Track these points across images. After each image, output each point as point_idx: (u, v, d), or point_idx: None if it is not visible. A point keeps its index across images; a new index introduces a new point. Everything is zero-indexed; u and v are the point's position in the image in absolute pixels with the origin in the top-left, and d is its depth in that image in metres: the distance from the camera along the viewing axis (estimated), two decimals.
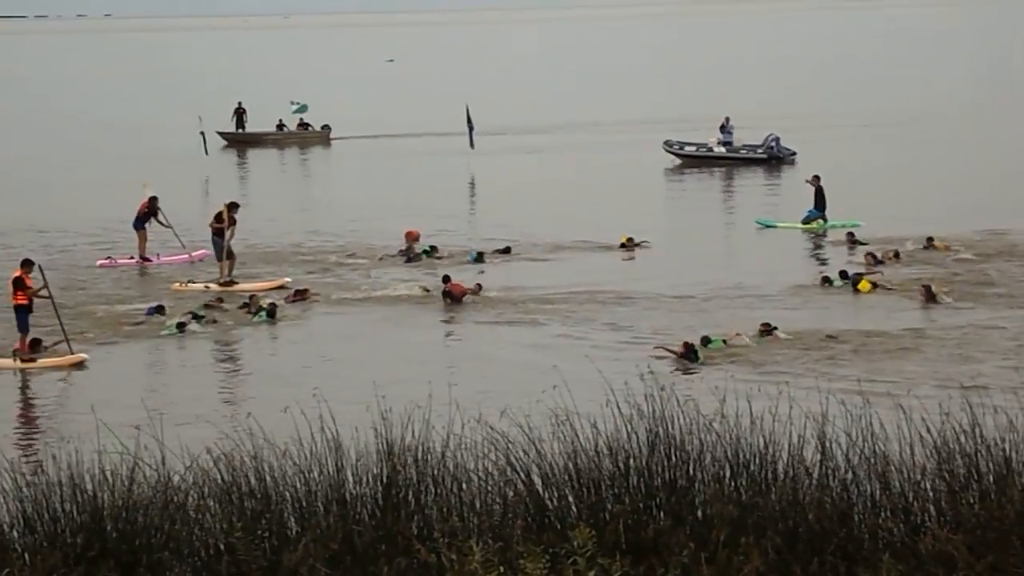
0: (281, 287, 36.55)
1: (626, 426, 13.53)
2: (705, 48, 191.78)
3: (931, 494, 12.90)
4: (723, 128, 64.21)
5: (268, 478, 13.38)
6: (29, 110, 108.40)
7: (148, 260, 41.10)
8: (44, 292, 30.24)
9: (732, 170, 60.89)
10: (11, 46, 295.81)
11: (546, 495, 13.30)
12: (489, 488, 13.44)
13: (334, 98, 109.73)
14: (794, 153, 62.14)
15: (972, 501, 12.68)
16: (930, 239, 39.71)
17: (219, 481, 13.38)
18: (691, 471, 13.32)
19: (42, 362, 29.36)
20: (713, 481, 13.24)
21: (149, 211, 41.79)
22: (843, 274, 35.40)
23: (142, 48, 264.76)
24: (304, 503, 13.28)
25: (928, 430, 13.27)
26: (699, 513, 13.00)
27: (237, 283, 37.24)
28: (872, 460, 13.10)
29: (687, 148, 63.74)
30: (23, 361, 29.38)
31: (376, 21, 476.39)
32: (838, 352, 28.48)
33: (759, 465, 13.28)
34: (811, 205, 44.72)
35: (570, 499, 13.27)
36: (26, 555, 12.90)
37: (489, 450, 13.66)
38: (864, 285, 34.48)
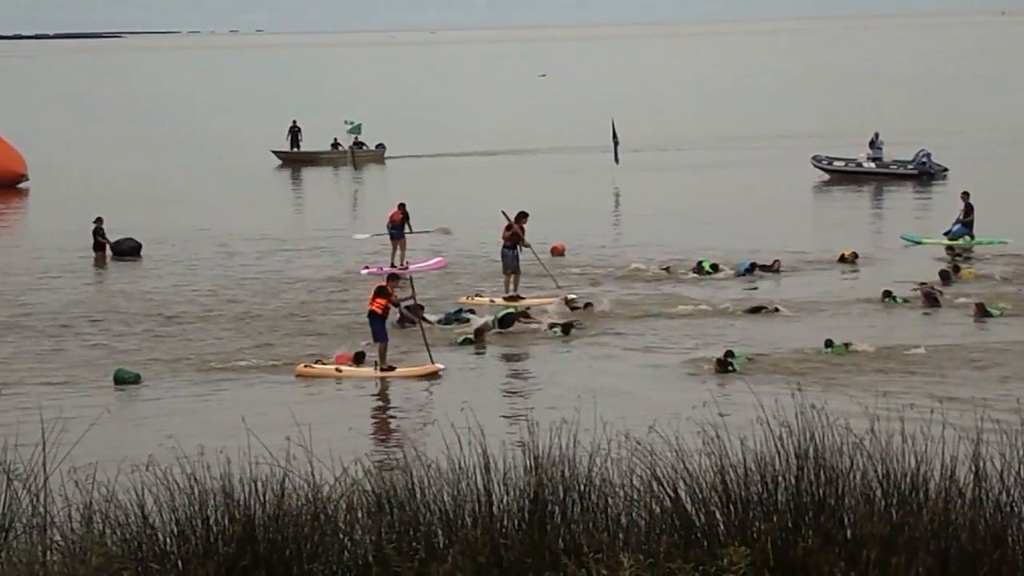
0: (564, 301, 35.64)
1: (775, 443, 13.43)
2: (853, 63, 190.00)
3: None
4: (872, 143, 63.57)
5: (417, 491, 13.47)
6: (155, 126, 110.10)
7: (405, 268, 41.24)
8: (407, 303, 30.81)
9: (882, 186, 60.26)
10: (164, 61, 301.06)
11: (693, 511, 13.24)
12: (636, 503, 13.41)
13: (475, 112, 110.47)
14: (945, 169, 61.35)
15: None
16: None
17: (369, 493, 13.49)
18: (840, 490, 13.18)
19: (400, 371, 29.68)
20: (863, 500, 13.09)
21: (403, 218, 42.42)
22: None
23: (283, 64, 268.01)
24: (452, 516, 13.34)
25: None
26: (848, 533, 12.86)
27: (522, 298, 36.75)
28: None
29: (836, 163, 63.18)
30: (381, 371, 29.72)
31: (530, 35, 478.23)
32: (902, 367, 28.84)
33: (910, 485, 13.11)
34: (960, 220, 44.25)
35: (718, 516, 13.19)
36: (180, 563, 13.10)
37: (635, 465, 13.63)
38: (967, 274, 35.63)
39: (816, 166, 63.32)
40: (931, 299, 34.70)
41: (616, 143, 65.29)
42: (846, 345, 29.93)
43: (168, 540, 13.22)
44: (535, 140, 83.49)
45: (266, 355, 31.55)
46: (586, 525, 13.22)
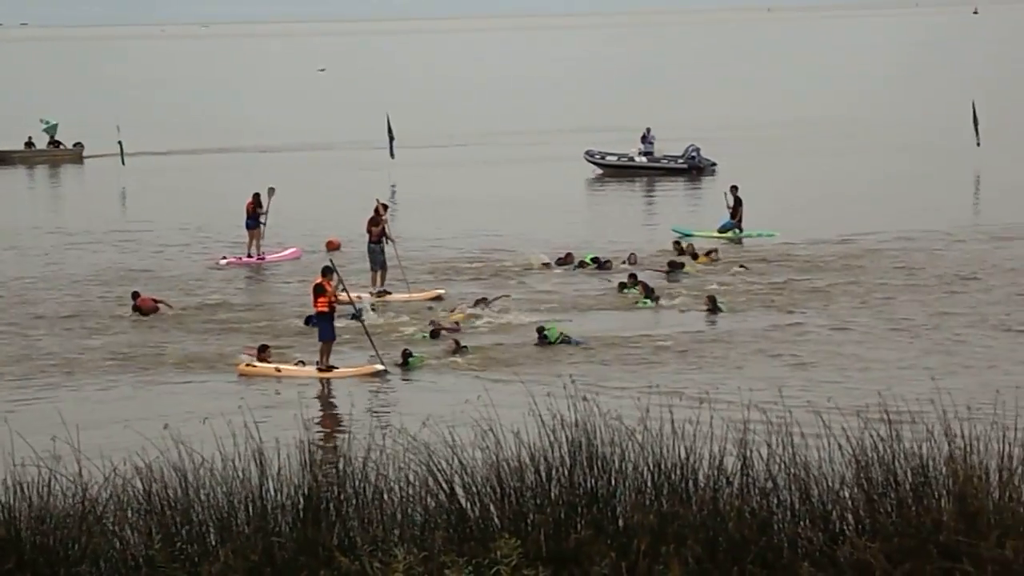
0: (437, 298, 35.62)
1: (548, 436, 13.54)
2: (632, 59, 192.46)
3: (850, 503, 12.97)
4: (644, 138, 64.44)
5: (190, 489, 13.30)
6: None
7: (262, 258, 41.68)
8: (344, 297, 30.06)
9: (653, 180, 61.15)
10: None
11: (468, 505, 13.29)
12: (411, 498, 13.42)
13: (248, 107, 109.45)
14: (714, 163, 62.46)
15: (890, 509, 12.77)
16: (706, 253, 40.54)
17: (139, 492, 13.28)
18: (612, 481, 13.34)
19: (340, 372, 28.88)
20: (634, 491, 13.26)
21: (256, 207, 42.23)
22: (633, 278, 36.25)
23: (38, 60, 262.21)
24: (225, 514, 13.20)
25: (847, 438, 13.35)
26: (620, 523, 13.03)
27: (389, 293, 36.28)
28: (792, 469, 13.16)
29: (608, 158, 63.95)
30: (320, 370, 28.94)
31: (309, 30, 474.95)
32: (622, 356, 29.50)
33: (680, 475, 13.31)
34: (728, 214, 45.17)
35: (492, 509, 13.26)
36: None
37: (410, 460, 13.63)
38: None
39: (589, 161, 64.00)
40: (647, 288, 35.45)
41: (391, 138, 65.16)
42: (566, 339, 30.49)
43: None
44: (310, 135, 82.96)
45: (33, 354, 30.90)
46: (361, 521, 13.19)
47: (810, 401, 21.16)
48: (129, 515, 13.12)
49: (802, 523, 12.94)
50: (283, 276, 40.01)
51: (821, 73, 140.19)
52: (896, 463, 12.97)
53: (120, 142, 68.37)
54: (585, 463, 13.39)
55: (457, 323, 32.65)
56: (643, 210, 54.80)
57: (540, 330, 30.76)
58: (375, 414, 26.50)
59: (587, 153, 64.52)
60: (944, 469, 12.82)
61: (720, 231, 44.89)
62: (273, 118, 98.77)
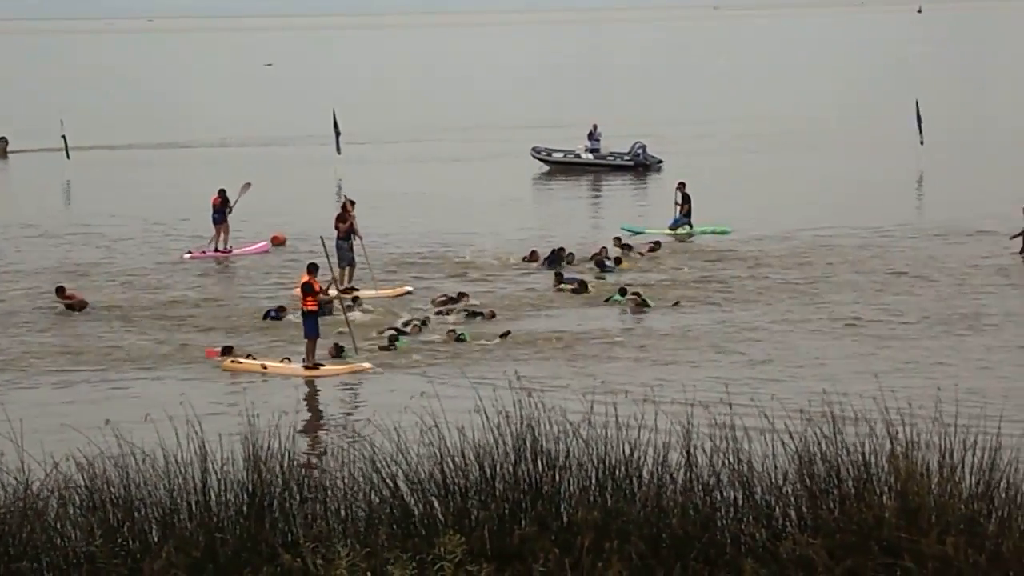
0: (404, 295, 35.56)
1: (493, 432, 13.54)
2: (581, 56, 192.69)
3: (792, 499, 13.03)
4: (591, 135, 64.51)
5: (132, 485, 13.23)
6: None
7: (228, 252, 41.84)
8: (332, 292, 30.12)
9: (599, 177, 61.24)
10: None
11: (412, 501, 13.27)
12: (355, 495, 13.39)
13: (192, 102, 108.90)
14: (660, 161, 62.60)
15: (832, 506, 12.83)
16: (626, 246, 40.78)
17: (81, 488, 13.20)
18: (556, 477, 13.35)
19: (326, 370, 28.70)
20: (578, 487, 13.28)
21: (223, 203, 42.21)
22: (559, 276, 36.49)
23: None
24: (167, 510, 13.14)
25: (791, 435, 13.40)
26: (564, 519, 13.04)
27: (356, 290, 36.01)
28: (735, 465, 13.21)
29: (555, 155, 63.99)
30: (306, 368, 28.74)
31: (258, 24, 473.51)
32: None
33: (624, 471, 13.34)
34: (678, 212, 45.24)
35: (436, 505, 13.26)
36: None
37: (355, 457, 13.61)
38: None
39: (536, 157, 64.02)
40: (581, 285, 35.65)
41: (337, 134, 65.03)
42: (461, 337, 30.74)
43: None
44: (254, 130, 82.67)
45: None
46: (304, 518, 13.16)
47: (754, 398, 21.21)
48: (71, 511, 13.05)
49: (745, 519, 12.99)
50: (246, 270, 39.77)
51: (770, 71, 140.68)
52: (839, 460, 13.03)
53: (64, 136, 67.87)
54: (530, 459, 13.40)
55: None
56: (590, 207, 54.87)
57: (452, 331, 30.99)
58: (323, 410, 26.50)
59: (534, 149, 64.54)
60: (886, 466, 12.89)
61: (671, 228, 44.97)
62: (221, 113, 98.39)
